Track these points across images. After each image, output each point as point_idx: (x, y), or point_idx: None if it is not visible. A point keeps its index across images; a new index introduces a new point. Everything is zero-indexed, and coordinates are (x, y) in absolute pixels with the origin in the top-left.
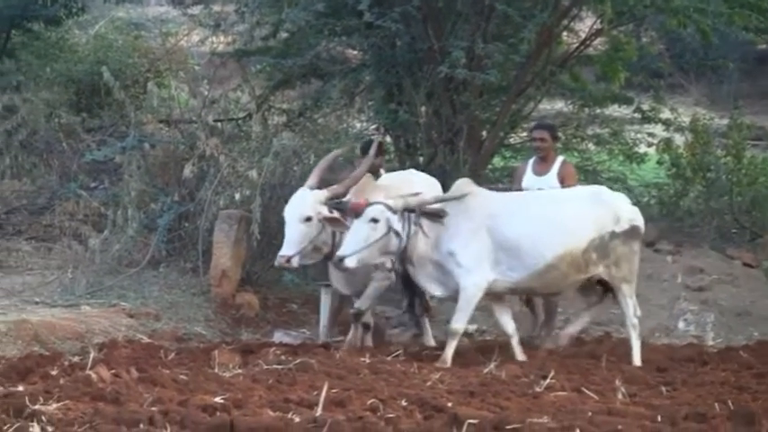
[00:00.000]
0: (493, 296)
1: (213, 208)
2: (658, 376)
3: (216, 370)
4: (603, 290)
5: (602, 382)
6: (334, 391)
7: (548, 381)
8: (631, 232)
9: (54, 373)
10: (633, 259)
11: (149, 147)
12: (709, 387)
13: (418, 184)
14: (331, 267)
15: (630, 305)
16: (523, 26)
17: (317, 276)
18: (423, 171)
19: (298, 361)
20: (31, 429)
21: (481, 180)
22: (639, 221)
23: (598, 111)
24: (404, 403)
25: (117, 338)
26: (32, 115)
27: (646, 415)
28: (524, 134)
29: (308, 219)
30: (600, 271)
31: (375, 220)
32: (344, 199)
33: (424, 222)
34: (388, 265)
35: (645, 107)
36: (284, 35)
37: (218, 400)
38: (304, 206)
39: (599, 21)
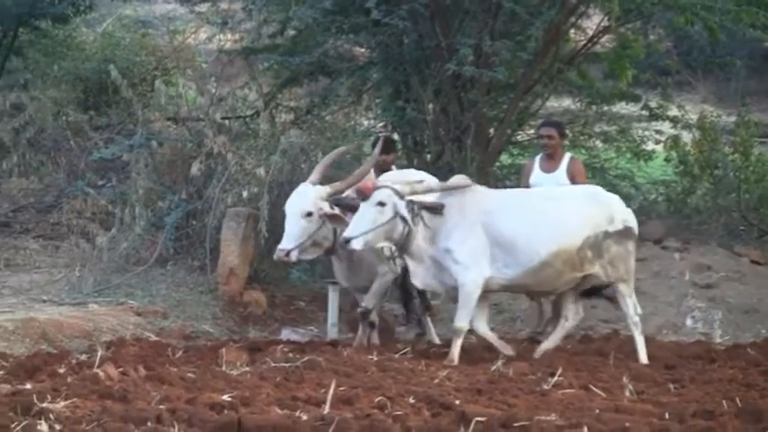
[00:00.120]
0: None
1: (221, 206)
2: (666, 373)
3: (223, 368)
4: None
5: (610, 380)
6: (341, 388)
7: (555, 378)
8: (625, 233)
9: (62, 371)
10: (628, 259)
11: (157, 145)
12: (717, 384)
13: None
14: (335, 262)
15: (630, 304)
16: (531, 23)
17: (325, 274)
18: (429, 169)
19: (305, 359)
20: (38, 427)
21: (489, 177)
22: (633, 223)
23: (605, 108)
24: (411, 401)
25: (124, 336)
26: (40, 113)
27: (653, 412)
28: (532, 131)
29: (309, 214)
30: (596, 270)
31: (382, 204)
32: (344, 195)
33: (425, 214)
34: (387, 252)
35: (652, 104)
36: (292, 33)
37: (225, 398)
38: (305, 201)
39: (606, 18)
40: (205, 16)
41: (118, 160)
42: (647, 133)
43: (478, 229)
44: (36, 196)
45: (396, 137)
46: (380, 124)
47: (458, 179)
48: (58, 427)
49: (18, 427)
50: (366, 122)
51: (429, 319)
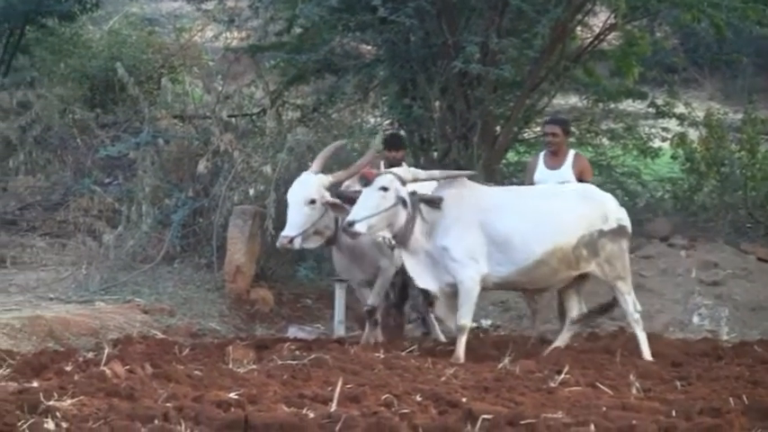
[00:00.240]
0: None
1: (227, 203)
2: (673, 371)
3: (230, 366)
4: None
5: (617, 377)
6: (348, 386)
7: (562, 376)
8: (619, 231)
9: (68, 369)
10: (624, 257)
11: (163, 142)
12: (724, 382)
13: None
14: (335, 254)
15: (629, 301)
16: (537, 21)
17: (332, 272)
18: (436, 166)
19: (312, 356)
20: (45, 425)
21: (495, 175)
22: (626, 221)
23: (612, 106)
24: (418, 399)
25: (131, 334)
26: (46, 111)
27: (660, 410)
28: (538, 129)
29: (312, 201)
30: (592, 269)
31: (385, 189)
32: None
33: (423, 207)
34: (388, 236)
35: (659, 102)
36: (298, 30)
37: (232, 395)
38: (308, 189)
39: (613, 16)
40: (212, 14)
41: (124, 158)
42: (653, 131)
43: (475, 227)
44: (43, 194)
45: (402, 134)
46: (387, 122)
47: (446, 172)
48: (64, 425)
49: (25, 426)
50: (373, 120)
51: (433, 317)
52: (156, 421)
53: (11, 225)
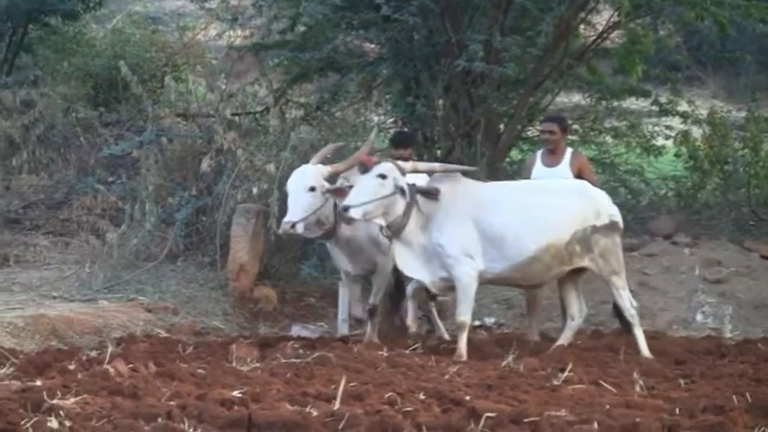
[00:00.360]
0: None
1: (231, 202)
2: (676, 369)
3: (234, 364)
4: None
5: (620, 375)
6: (352, 384)
7: (566, 374)
8: (611, 227)
9: (72, 367)
10: (618, 252)
11: (167, 141)
12: (728, 379)
13: (409, 177)
14: (333, 248)
15: (625, 297)
16: (541, 19)
17: (335, 270)
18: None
19: (316, 355)
20: (48, 424)
21: (499, 173)
22: (618, 218)
23: (615, 104)
24: (422, 397)
25: (135, 333)
26: (50, 110)
27: (664, 408)
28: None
29: (312, 188)
30: (586, 264)
31: (383, 176)
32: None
33: (420, 199)
34: (383, 224)
35: (662, 100)
36: (302, 29)
37: (236, 394)
38: (307, 176)
39: (616, 13)
40: (215, 12)
41: (128, 157)
42: (656, 128)
43: (469, 223)
44: (46, 193)
45: (409, 132)
46: (390, 120)
47: (447, 166)
48: (68, 423)
49: (28, 424)
50: (376, 118)
51: (437, 315)
52: (160, 420)
53: (14, 224)
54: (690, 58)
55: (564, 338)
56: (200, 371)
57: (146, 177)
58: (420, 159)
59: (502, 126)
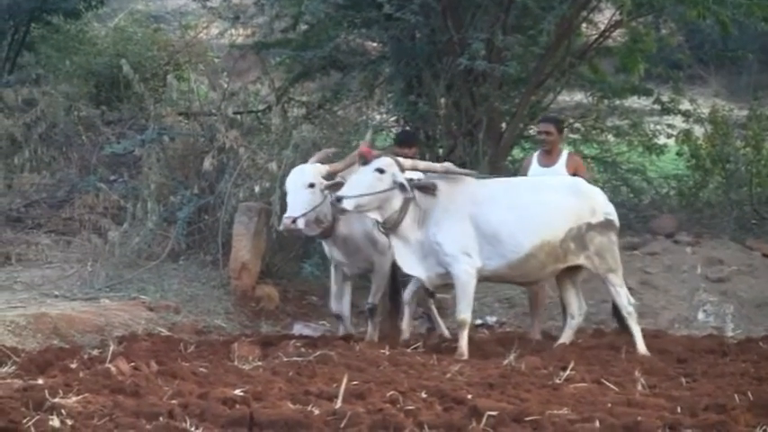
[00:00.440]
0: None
1: (233, 200)
2: (678, 367)
3: (235, 363)
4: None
5: (622, 374)
6: (353, 383)
7: (567, 372)
8: (606, 224)
9: (73, 366)
10: (613, 249)
11: (169, 139)
12: (729, 378)
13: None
14: (330, 246)
15: (622, 294)
16: (543, 18)
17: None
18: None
19: (317, 353)
20: (50, 422)
21: (501, 172)
22: (614, 216)
23: (617, 102)
24: (423, 395)
25: (136, 331)
26: (52, 108)
27: (665, 406)
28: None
29: (312, 185)
30: (582, 262)
31: (381, 171)
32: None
33: (417, 194)
34: (379, 219)
35: (664, 98)
36: (304, 27)
37: (237, 392)
38: (306, 174)
39: (618, 12)
40: (217, 11)
41: (130, 155)
42: (658, 127)
43: (466, 221)
44: (48, 191)
45: (413, 131)
46: (392, 119)
47: (446, 167)
48: (69, 422)
49: (30, 423)
50: (378, 117)
51: (437, 312)
52: (162, 418)
53: (16, 222)
54: (692, 57)
55: (565, 337)
56: (201, 369)
57: (148, 176)
58: (422, 158)
59: (504, 125)
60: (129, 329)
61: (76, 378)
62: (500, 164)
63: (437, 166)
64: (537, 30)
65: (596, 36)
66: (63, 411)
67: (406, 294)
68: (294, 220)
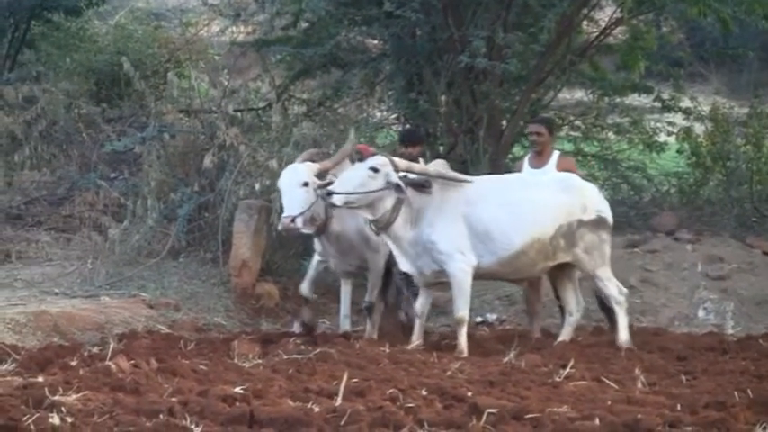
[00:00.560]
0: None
1: (233, 198)
2: (678, 365)
3: (235, 360)
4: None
5: (622, 371)
6: (353, 380)
7: (567, 370)
8: (598, 222)
9: (73, 363)
10: (603, 247)
11: (169, 137)
12: (729, 376)
13: None
14: (323, 243)
15: (612, 285)
16: (543, 15)
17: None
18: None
19: (317, 351)
20: (50, 420)
21: (501, 169)
22: (607, 213)
23: (618, 100)
24: (424, 393)
25: (136, 329)
26: (52, 106)
27: (665, 404)
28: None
29: (306, 184)
30: (569, 259)
31: (374, 170)
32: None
33: (410, 193)
34: (370, 218)
35: (665, 96)
36: (304, 25)
37: (237, 390)
38: (299, 173)
39: (619, 10)
40: (218, 8)
41: (130, 153)
42: (659, 125)
43: (459, 220)
44: (48, 189)
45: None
46: (393, 116)
47: (436, 165)
48: (69, 419)
49: (29, 420)
50: (379, 114)
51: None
52: (162, 416)
53: (16, 220)
54: (692, 55)
55: (564, 334)
56: (201, 367)
57: (148, 173)
58: (424, 156)
59: (504, 122)
60: (129, 327)
61: (76, 375)
62: (501, 162)
63: (431, 170)
64: (538, 27)
65: (597, 34)
66: (63, 409)
67: (418, 306)
68: (293, 220)
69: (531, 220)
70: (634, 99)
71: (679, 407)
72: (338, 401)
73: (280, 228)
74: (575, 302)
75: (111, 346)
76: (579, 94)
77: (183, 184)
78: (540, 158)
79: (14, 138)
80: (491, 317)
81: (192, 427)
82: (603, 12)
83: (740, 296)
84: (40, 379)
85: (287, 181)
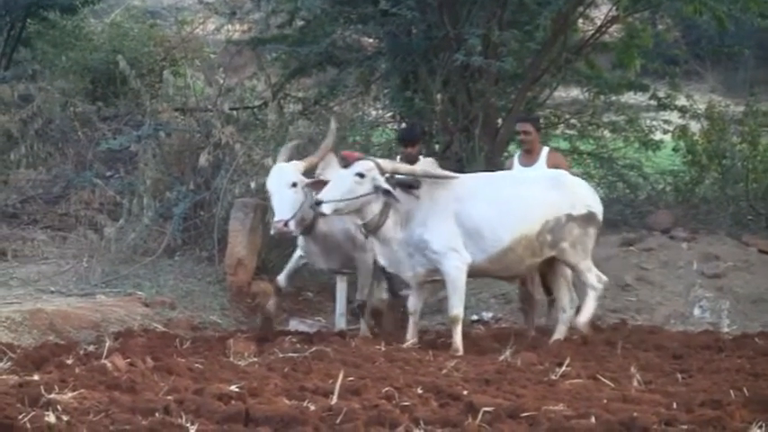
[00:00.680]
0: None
1: (228, 196)
2: (674, 363)
3: (231, 359)
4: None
5: (618, 370)
6: (349, 379)
7: (563, 368)
8: (588, 217)
9: (69, 362)
10: (587, 242)
11: (165, 135)
12: (725, 374)
13: None
14: (309, 243)
15: (591, 275)
16: (539, 13)
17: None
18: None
19: (313, 349)
20: (46, 418)
21: (497, 167)
22: (597, 208)
23: (614, 98)
24: (419, 391)
25: (132, 327)
26: (48, 104)
27: (661, 402)
28: (540, 121)
29: (294, 184)
30: (555, 254)
31: (361, 175)
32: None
33: (399, 194)
34: (359, 222)
35: (660, 94)
36: (300, 23)
37: (233, 388)
38: (287, 173)
39: (615, 8)
40: (213, 7)
41: (126, 151)
42: (655, 123)
43: (451, 219)
44: (44, 187)
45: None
46: (388, 114)
47: (425, 163)
48: (65, 418)
49: (25, 419)
50: (374, 113)
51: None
52: (157, 414)
53: (12, 218)
54: (688, 53)
55: (559, 332)
56: (197, 365)
57: (144, 172)
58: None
59: (500, 120)
60: (124, 325)
61: (72, 374)
62: (496, 160)
63: (418, 170)
64: (533, 25)
65: (593, 32)
66: (59, 407)
67: (410, 305)
68: (286, 224)
69: (520, 216)
70: (630, 97)
71: (675, 405)
72: (334, 400)
73: (272, 233)
74: (568, 299)
75: (107, 344)
76: (575, 93)
77: (178, 183)
78: (529, 156)
79: (10, 136)
80: (487, 315)
81: (188, 425)
82: (599, 10)
83: (736, 294)
84: (36, 377)
85: (275, 182)
